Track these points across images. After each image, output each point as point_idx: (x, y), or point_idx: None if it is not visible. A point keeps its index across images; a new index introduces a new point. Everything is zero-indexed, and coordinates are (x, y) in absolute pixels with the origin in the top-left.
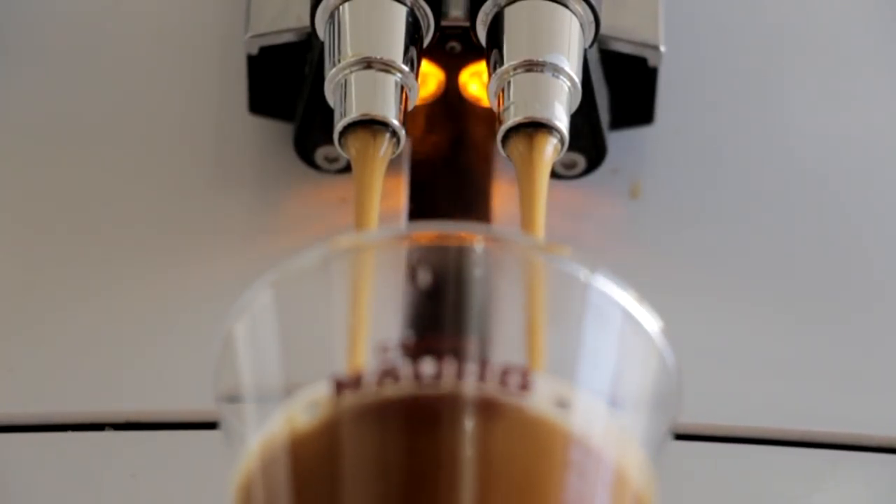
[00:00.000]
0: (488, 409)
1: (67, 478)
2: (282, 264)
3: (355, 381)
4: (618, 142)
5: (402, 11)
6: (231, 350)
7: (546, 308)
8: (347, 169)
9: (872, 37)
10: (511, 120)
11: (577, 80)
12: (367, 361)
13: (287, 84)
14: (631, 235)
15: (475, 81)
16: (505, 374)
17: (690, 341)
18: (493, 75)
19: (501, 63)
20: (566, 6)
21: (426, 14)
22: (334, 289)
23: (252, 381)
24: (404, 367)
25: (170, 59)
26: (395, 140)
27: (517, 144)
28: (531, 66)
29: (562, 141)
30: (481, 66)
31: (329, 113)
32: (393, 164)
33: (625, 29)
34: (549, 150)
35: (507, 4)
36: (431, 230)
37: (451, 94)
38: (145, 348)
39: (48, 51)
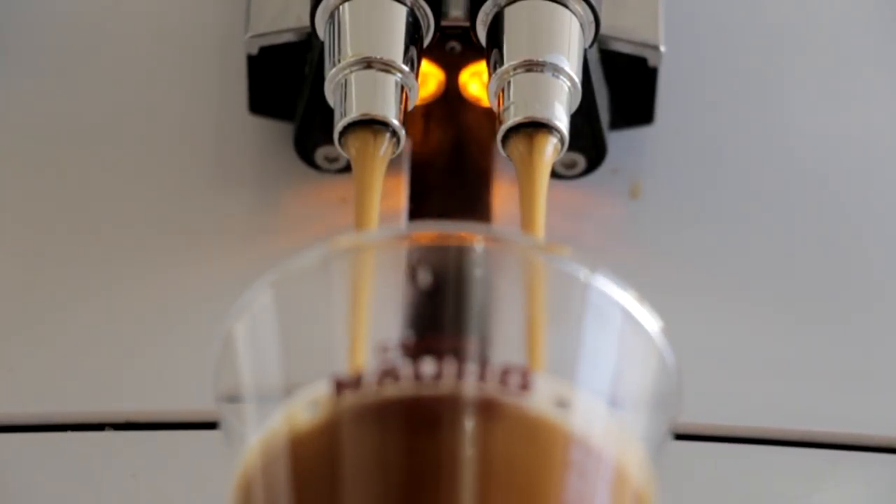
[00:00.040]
0: (488, 409)
1: (67, 478)
2: (282, 264)
3: (355, 381)
4: (618, 142)
5: (402, 11)
6: (231, 350)
7: (546, 308)
8: (347, 169)
9: (872, 37)
10: (511, 120)
11: (577, 80)
12: (367, 361)
13: (287, 84)
14: (631, 235)
15: (475, 81)
16: (505, 374)
17: (690, 341)
18: (493, 75)
19: (501, 63)
20: (566, 6)
21: (426, 14)
22: (334, 289)
23: (252, 381)
24: (404, 367)
25: (170, 59)
26: (395, 140)
27: (517, 144)
28: (531, 66)
29: (562, 141)
30: (481, 66)
31: (329, 113)
32: (393, 164)
33: (625, 29)
34: (549, 150)
35: (507, 4)
36: (431, 230)
37: (451, 94)
38: (145, 348)
39: (48, 51)
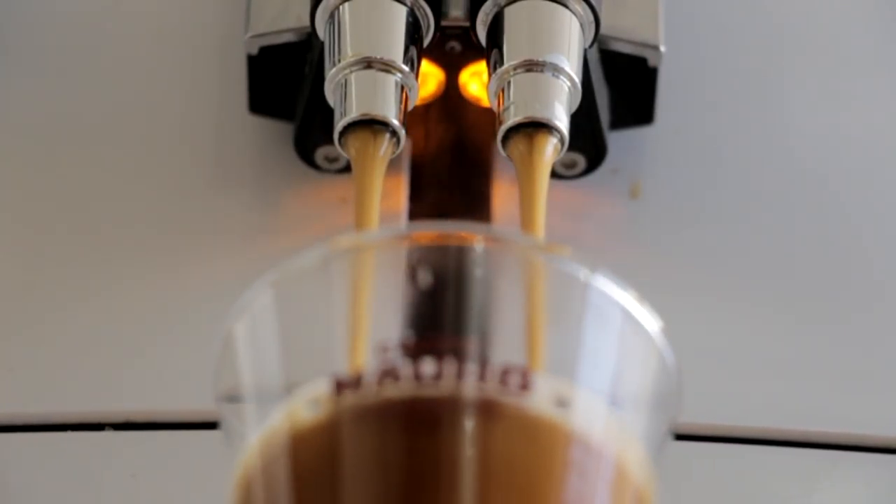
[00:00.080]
0: (488, 409)
1: (67, 478)
2: (282, 264)
3: (355, 381)
4: (618, 142)
5: (402, 11)
6: (231, 350)
7: (546, 308)
8: (347, 169)
9: (872, 37)
10: (511, 120)
11: (577, 80)
12: (367, 361)
13: (287, 84)
14: (631, 235)
15: (475, 81)
16: (505, 374)
17: (690, 341)
18: (493, 75)
19: (501, 63)
20: (566, 6)
21: (426, 14)
22: (334, 289)
23: (252, 380)
24: (404, 367)
25: (170, 59)
26: (395, 140)
27: (517, 144)
28: (531, 66)
29: (562, 141)
30: (481, 66)
31: (329, 113)
32: (393, 164)
33: (625, 29)
34: (549, 150)
35: (507, 4)
36: (431, 230)
37: (451, 94)
38: (145, 348)
39: (48, 51)
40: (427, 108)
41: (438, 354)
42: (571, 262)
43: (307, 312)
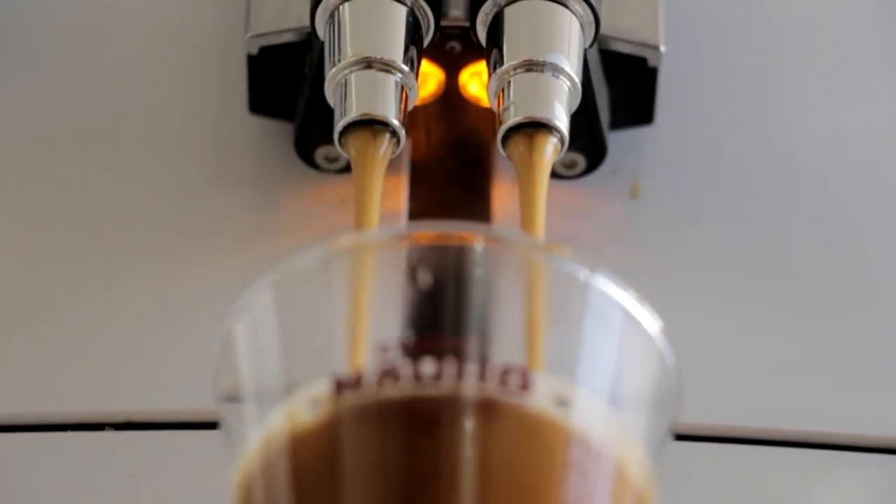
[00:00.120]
0: (488, 409)
1: (67, 478)
2: (282, 264)
3: (355, 381)
4: (618, 142)
5: (402, 11)
6: (231, 350)
7: (546, 308)
8: (347, 169)
9: (872, 37)
10: (511, 120)
11: (577, 80)
12: (367, 361)
13: (287, 84)
14: (631, 235)
15: (475, 81)
16: (505, 373)
17: (690, 341)
18: (493, 75)
19: (501, 63)
20: (566, 6)
21: (426, 14)
22: (334, 289)
23: (252, 380)
24: (404, 367)
25: (170, 59)
26: (395, 140)
27: (517, 144)
28: (531, 66)
29: (562, 141)
30: (481, 66)
31: (329, 113)
32: (393, 164)
33: (625, 29)
34: (549, 150)
35: (507, 4)
36: (431, 230)
37: (451, 94)
38: (145, 348)
39: (48, 51)
40: (427, 108)
41: (438, 354)
42: (571, 262)
43: (307, 312)
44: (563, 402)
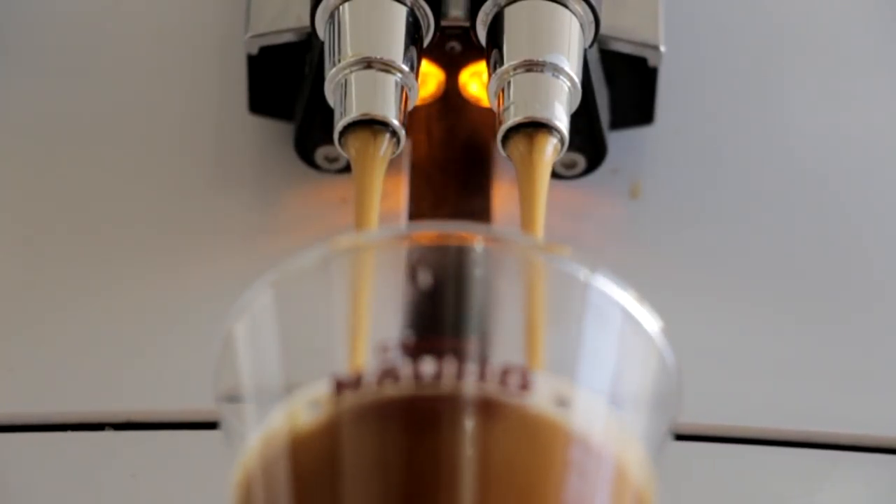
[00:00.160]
0: (488, 409)
1: (67, 478)
2: (282, 264)
3: (355, 381)
4: (618, 142)
5: (402, 11)
6: (231, 350)
7: (546, 308)
8: (347, 169)
9: (872, 37)
10: (511, 120)
11: (577, 80)
12: (367, 361)
13: (287, 84)
14: (631, 235)
15: (475, 81)
16: (505, 373)
17: (690, 341)
18: (493, 75)
19: (501, 63)
20: (566, 6)
21: (426, 14)
22: (334, 289)
23: (252, 381)
24: (404, 367)
25: (170, 59)
26: (395, 140)
27: (517, 144)
28: (531, 66)
29: (562, 141)
30: (481, 66)
31: (329, 113)
32: (393, 164)
33: (625, 29)
34: (549, 150)
35: (507, 4)
36: (431, 230)
37: (451, 94)
38: (145, 348)
39: (48, 51)
40: (427, 108)
41: (438, 354)
42: (571, 262)
43: (307, 312)
44: (563, 402)
